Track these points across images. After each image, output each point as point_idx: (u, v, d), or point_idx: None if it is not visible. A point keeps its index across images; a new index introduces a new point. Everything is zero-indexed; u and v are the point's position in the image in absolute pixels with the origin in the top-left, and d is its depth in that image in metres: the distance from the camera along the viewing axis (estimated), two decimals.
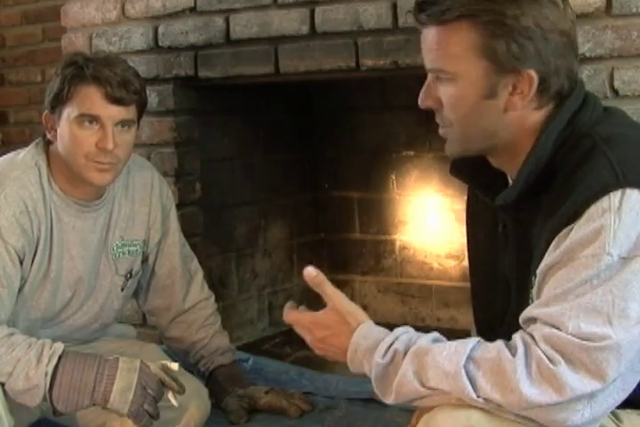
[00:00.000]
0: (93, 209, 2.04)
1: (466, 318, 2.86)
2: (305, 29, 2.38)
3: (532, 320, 1.28)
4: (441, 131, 1.44)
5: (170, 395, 1.90)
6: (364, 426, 2.19)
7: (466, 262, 2.91)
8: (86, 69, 1.91)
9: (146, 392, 1.83)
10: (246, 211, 2.98)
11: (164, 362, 1.95)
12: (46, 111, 1.97)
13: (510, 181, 1.44)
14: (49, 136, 1.98)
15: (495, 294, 1.50)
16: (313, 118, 3.22)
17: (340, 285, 3.12)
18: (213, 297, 2.40)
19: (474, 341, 1.30)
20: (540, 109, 1.36)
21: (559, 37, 1.33)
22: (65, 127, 1.93)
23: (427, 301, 3.04)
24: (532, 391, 1.21)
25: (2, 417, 1.80)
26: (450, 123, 1.40)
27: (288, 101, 3.09)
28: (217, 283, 2.79)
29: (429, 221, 3.06)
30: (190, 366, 2.29)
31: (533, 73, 1.33)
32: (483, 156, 1.46)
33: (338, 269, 3.21)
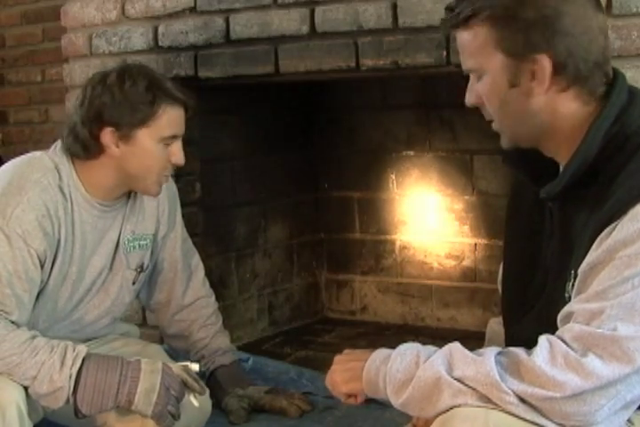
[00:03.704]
0: (114, 208, 2.06)
1: (466, 318, 2.86)
2: (305, 29, 2.38)
3: (570, 315, 1.29)
4: (493, 126, 1.49)
5: (191, 396, 1.91)
6: (364, 426, 2.19)
7: (466, 262, 2.96)
8: (171, 90, 1.95)
9: (169, 393, 1.84)
10: (246, 211, 2.98)
11: (185, 363, 1.97)
12: (111, 128, 1.93)
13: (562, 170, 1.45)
14: (109, 151, 1.95)
15: (531, 280, 1.51)
16: (313, 118, 3.22)
17: (340, 285, 3.17)
18: (214, 296, 2.40)
19: (497, 348, 1.33)
20: (565, 92, 1.38)
21: (565, 19, 1.34)
22: (149, 145, 1.95)
23: (427, 301, 3.03)
24: (558, 378, 1.23)
25: (24, 420, 1.79)
26: (492, 116, 1.46)
27: (288, 101, 3.09)
28: (217, 283, 2.79)
29: (429, 220, 3.06)
30: None
31: (545, 57, 1.35)
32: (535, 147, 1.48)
33: (338, 269, 3.19)
